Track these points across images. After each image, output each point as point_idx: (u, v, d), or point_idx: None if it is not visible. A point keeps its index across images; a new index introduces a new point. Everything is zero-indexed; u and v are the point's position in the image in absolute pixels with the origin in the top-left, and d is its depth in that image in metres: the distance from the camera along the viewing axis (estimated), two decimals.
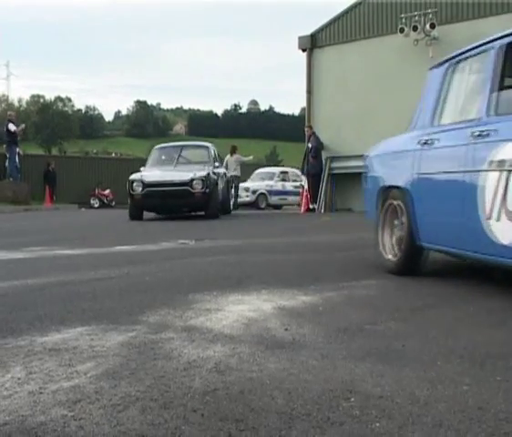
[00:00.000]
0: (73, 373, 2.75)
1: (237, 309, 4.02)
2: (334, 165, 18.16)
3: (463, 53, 5.26)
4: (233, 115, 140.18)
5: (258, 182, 26.26)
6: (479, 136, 4.41)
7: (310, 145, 18.50)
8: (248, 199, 24.71)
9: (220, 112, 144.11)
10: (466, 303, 4.21)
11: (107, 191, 30.48)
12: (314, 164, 18.19)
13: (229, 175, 18.18)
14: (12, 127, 20.92)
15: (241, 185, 22.85)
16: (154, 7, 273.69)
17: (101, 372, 2.76)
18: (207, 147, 16.47)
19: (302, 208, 18.85)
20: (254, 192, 25.43)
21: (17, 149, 21.83)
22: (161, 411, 2.31)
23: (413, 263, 5.36)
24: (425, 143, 5.19)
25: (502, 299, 4.39)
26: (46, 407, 2.36)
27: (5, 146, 22.09)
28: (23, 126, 23.70)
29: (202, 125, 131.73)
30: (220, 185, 15.32)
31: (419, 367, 2.78)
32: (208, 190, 14.00)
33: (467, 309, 4.04)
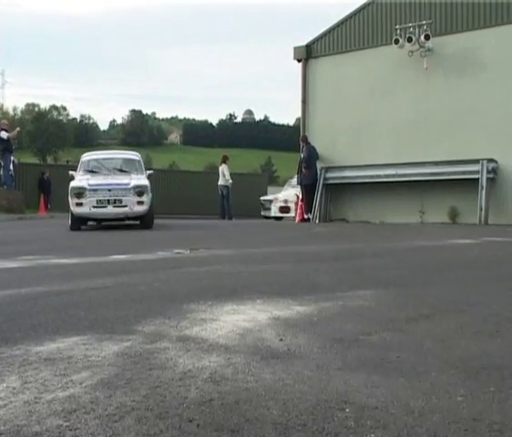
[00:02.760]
0: (68, 383, 2.75)
1: (232, 319, 4.02)
2: (329, 175, 18.20)
3: None
4: (228, 124, 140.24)
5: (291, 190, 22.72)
6: None
7: (302, 155, 18.58)
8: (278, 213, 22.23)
9: (215, 122, 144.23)
10: (461, 313, 4.23)
11: None
12: (307, 174, 18.24)
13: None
14: (4, 134, 20.87)
15: (266, 198, 22.33)
16: (149, 16, 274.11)
17: (96, 382, 2.75)
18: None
19: (297, 218, 18.89)
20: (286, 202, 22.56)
21: (12, 158, 21.77)
22: (157, 420, 2.31)
23: None
24: None
25: (496, 308, 4.40)
26: (41, 417, 2.36)
27: None
28: (18, 129, 23.62)
29: (197, 134, 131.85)
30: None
31: (414, 378, 2.79)
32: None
33: (462, 319, 4.05)
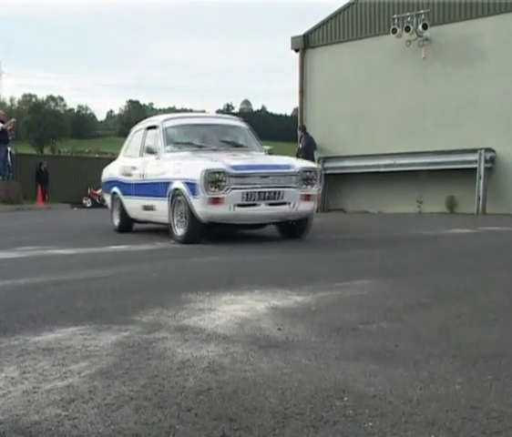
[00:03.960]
0: (67, 373, 2.75)
1: (230, 309, 4.03)
2: (327, 165, 18.19)
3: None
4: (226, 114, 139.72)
5: None
6: None
7: (300, 145, 18.57)
8: None
9: (212, 111, 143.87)
10: (459, 302, 4.23)
11: (99, 191, 30.38)
12: None
13: None
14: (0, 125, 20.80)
15: None
16: (147, 7, 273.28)
17: (95, 372, 2.76)
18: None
19: None
20: None
21: (9, 148, 21.71)
22: (155, 410, 2.31)
23: None
24: None
25: (495, 296, 4.41)
26: (39, 406, 2.36)
27: None
28: (13, 120, 23.54)
29: None
30: None
31: (412, 366, 2.79)
32: None
33: (460, 307, 4.06)
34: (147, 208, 9.59)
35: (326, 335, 3.37)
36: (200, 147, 9.57)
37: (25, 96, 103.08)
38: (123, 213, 10.64)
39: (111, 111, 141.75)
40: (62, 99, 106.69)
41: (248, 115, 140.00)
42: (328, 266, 6.16)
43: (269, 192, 8.28)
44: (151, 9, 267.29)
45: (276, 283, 4.98)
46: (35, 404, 2.38)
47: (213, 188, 8.02)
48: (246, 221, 8.57)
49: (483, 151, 15.51)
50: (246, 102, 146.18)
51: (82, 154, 57.67)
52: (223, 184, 8.04)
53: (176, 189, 8.52)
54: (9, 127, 21.41)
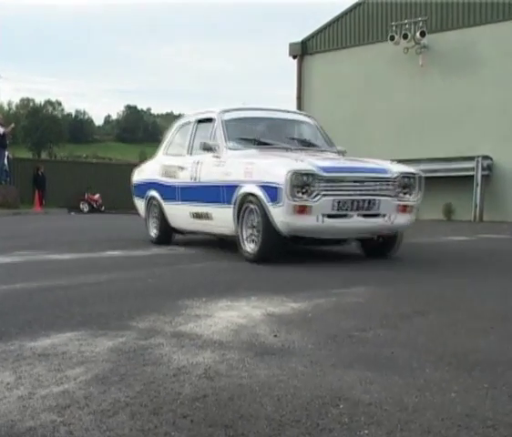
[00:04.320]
0: (62, 378, 2.75)
1: (226, 316, 4.03)
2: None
3: None
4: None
5: None
6: None
7: None
8: None
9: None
10: (455, 309, 4.24)
11: (96, 196, 30.42)
12: None
13: None
14: (0, 129, 20.81)
15: None
16: (145, 12, 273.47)
17: (91, 378, 2.76)
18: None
19: None
20: None
21: (6, 152, 21.70)
22: (151, 416, 2.31)
23: None
24: None
25: (490, 304, 4.42)
26: (35, 412, 2.36)
27: None
28: (12, 125, 23.54)
29: None
30: None
31: (408, 374, 2.80)
32: None
33: (456, 315, 4.06)
34: (198, 215, 8.07)
35: (322, 342, 3.37)
36: (267, 144, 7.90)
37: (22, 100, 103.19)
38: (163, 221, 9.03)
39: (109, 116, 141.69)
40: (60, 104, 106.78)
41: None
42: (324, 272, 6.16)
43: (363, 201, 6.75)
44: (149, 14, 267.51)
45: (272, 290, 4.98)
46: (31, 410, 2.38)
47: (300, 194, 6.52)
48: (334, 235, 7.06)
49: (480, 159, 15.55)
50: None
51: (79, 159, 57.70)
52: (312, 189, 6.54)
53: (247, 195, 6.98)
54: (8, 132, 21.43)
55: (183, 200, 8.41)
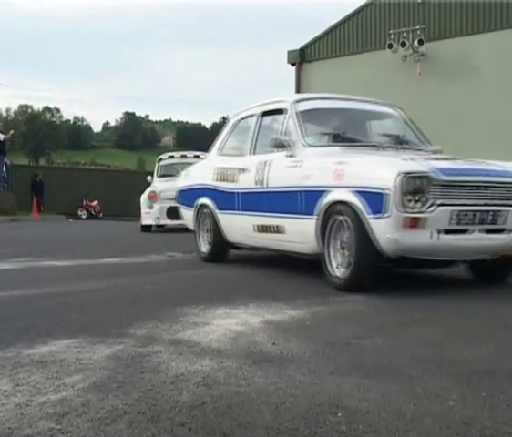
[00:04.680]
0: (60, 386, 2.74)
1: (224, 323, 4.02)
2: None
3: None
4: (222, 127, 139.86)
5: None
6: None
7: None
8: None
9: (208, 124, 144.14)
10: (453, 318, 4.24)
11: (94, 202, 30.44)
12: None
13: None
14: (0, 136, 20.83)
15: None
16: (144, 19, 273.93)
17: (88, 385, 2.75)
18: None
19: None
20: None
21: (5, 159, 21.72)
22: (149, 424, 2.31)
23: None
24: None
25: (488, 313, 4.42)
26: (33, 420, 2.35)
27: None
28: (12, 131, 23.55)
29: (191, 137, 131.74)
30: None
31: (406, 382, 2.79)
32: None
33: (454, 323, 4.06)
34: (265, 228, 6.61)
35: (320, 350, 3.37)
36: (352, 140, 6.50)
37: (21, 106, 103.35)
38: (217, 235, 7.55)
39: (107, 123, 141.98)
40: (58, 110, 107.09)
41: None
42: (323, 280, 6.15)
43: (486, 212, 5.29)
44: (148, 22, 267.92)
45: (271, 297, 4.98)
46: (29, 417, 2.38)
47: (412, 203, 5.05)
48: (450, 256, 5.51)
49: None
50: None
51: (78, 165, 57.69)
52: (426, 197, 5.07)
53: (336, 203, 5.48)
54: (7, 138, 21.45)
55: (244, 209, 7.01)
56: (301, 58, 19.36)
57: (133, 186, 27.21)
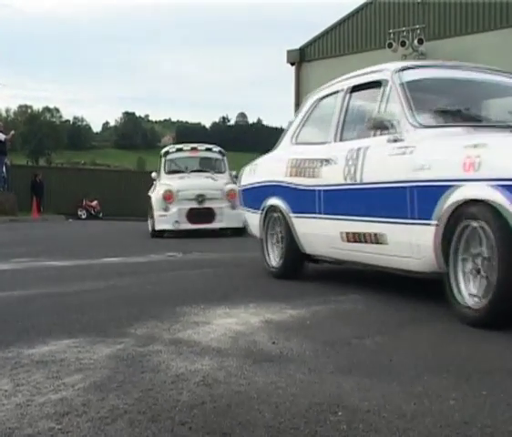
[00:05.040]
0: (60, 386, 2.74)
1: (224, 323, 4.02)
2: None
3: None
4: (221, 127, 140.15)
5: None
6: None
7: None
8: None
9: (208, 124, 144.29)
10: (453, 317, 4.23)
11: (94, 202, 30.44)
12: None
13: None
14: (1, 136, 20.83)
15: None
16: (144, 19, 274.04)
17: (89, 385, 2.75)
18: None
19: None
20: None
21: (5, 159, 21.72)
22: (149, 424, 2.31)
23: None
24: None
25: None
26: (33, 419, 2.35)
27: None
28: (12, 132, 23.56)
29: (190, 137, 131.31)
30: None
31: (406, 381, 2.79)
32: None
33: (454, 323, 4.06)
34: (359, 237, 5.07)
35: (320, 349, 3.37)
36: (478, 119, 5.12)
37: (20, 107, 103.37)
38: (290, 244, 6.02)
39: (107, 123, 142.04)
40: (58, 110, 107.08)
41: (243, 127, 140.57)
42: (322, 279, 6.16)
43: None
44: (148, 22, 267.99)
45: (271, 297, 4.98)
46: (29, 417, 2.38)
47: None
48: None
49: None
50: (242, 115, 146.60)
51: (77, 165, 57.70)
52: None
53: (471, 203, 3.99)
54: (8, 139, 21.45)
55: (328, 212, 5.49)
56: (300, 58, 19.38)
57: (133, 186, 27.22)
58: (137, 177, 32.67)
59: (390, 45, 16.85)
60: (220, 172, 13.95)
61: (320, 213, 5.60)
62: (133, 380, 2.82)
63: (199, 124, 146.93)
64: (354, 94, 5.68)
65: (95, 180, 32.73)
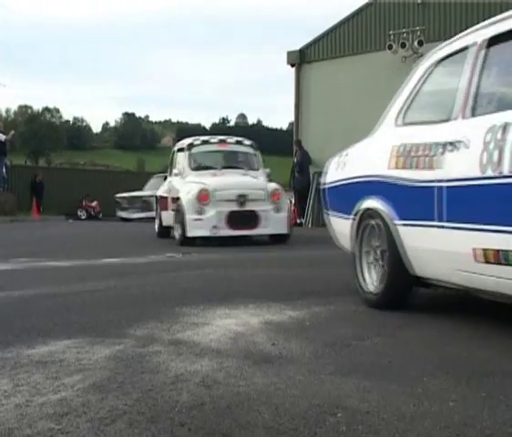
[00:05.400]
0: (60, 386, 2.74)
1: (224, 324, 4.02)
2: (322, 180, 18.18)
3: None
4: (221, 128, 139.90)
5: None
6: None
7: (295, 160, 18.62)
8: None
9: (208, 125, 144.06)
10: (453, 319, 4.23)
11: (94, 203, 30.40)
12: (300, 179, 18.24)
13: None
14: (2, 136, 20.83)
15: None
16: (143, 19, 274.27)
17: (88, 385, 2.75)
18: None
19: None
20: None
21: (5, 160, 21.72)
22: (149, 424, 2.31)
23: None
24: None
25: (488, 315, 4.42)
26: (32, 420, 2.35)
27: None
28: (12, 132, 23.55)
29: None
30: None
31: (405, 383, 2.79)
32: None
33: (453, 325, 4.06)
34: (505, 257, 3.40)
35: (320, 350, 3.37)
36: None
37: (20, 107, 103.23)
38: (396, 263, 4.41)
39: (107, 123, 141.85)
40: (58, 111, 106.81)
41: (243, 128, 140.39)
42: (322, 281, 6.15)
43: None
44: (148, 22, 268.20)
45: (270, 298, 4.97)
46: (28, 418, 2.38)
47: None
48: None
49: None
50: (242, 116, 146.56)
51: (77, 166, 57.69)
52: None
53: None
54: (8, 139, 21.44)
55: (455, 219, 3.84)
56: (300, 59, 19.37)
57: (133, 186, 27.19)
58: (137, 178, 32.65)
59: (390, 47, 16.84)
60: (253, 169, 11.91)
61: (441, 220, 3.96)
62: (132, 380, 2.82)
63: (199, 125, 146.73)
64: (494, 48, 3.96)
65: (95, 181, 32.72)
